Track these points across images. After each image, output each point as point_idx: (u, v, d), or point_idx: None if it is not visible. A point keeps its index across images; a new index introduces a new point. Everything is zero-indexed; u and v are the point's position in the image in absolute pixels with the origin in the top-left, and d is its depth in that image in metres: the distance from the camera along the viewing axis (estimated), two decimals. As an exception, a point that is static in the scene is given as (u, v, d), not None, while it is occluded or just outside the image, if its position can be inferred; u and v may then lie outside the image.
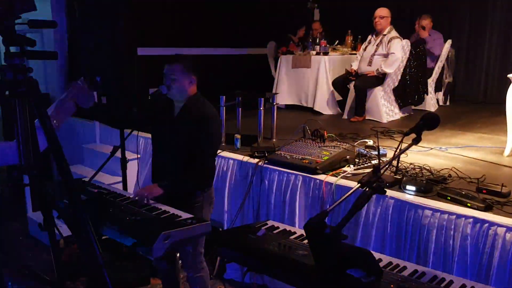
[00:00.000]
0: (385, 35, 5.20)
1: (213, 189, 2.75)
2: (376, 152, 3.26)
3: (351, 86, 5.32)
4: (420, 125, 1.63)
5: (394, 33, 5.22)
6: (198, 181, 2.56)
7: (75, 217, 1.70)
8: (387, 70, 5.09)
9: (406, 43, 5.21)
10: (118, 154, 3.65)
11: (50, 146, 1.61)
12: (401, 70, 5.28)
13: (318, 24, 6.95)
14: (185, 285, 3.27)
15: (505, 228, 2.17)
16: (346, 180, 2.84)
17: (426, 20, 6.06)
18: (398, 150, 1.60)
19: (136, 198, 2.36)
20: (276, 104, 4.24)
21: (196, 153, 2.52)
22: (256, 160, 3.27)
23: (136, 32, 3.80)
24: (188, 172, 2.51)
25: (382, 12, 5.24)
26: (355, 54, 5.92)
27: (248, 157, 3.36)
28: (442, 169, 3.06)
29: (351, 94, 5.32)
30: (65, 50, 5.23)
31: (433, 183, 2.72)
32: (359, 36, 6.43)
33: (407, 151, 3.54)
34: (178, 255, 3.11)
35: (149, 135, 3.04)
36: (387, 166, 1.46)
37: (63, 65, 5.28)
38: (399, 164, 3.06)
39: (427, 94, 5.86)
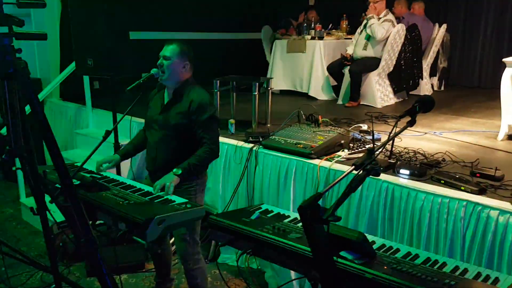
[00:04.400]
0: (380, 18, 5.15)
1: (206, 176, 2.75)
2: (370, 137, 3.26)
3: (346, 71, 5.29)
4: (415, 108, 1.62)
5: (389, 16, 5.17)
6: (209, 158, 2.56)
7: (69, 201, 1.69)
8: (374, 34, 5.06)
9: (401, 27, 5.17)
10: (111, 139, 3.62)
11: (41, 131, 1.59)
12: (396, 55, 5.26)
13: (314, 12, 6.89)
14: (178, 276, 3.28)
15: (498, 211, 2.18)
16: (340, 164, 2.84)
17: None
18: (393, 132, 1.59)
19: (159, 189, 2.35)
20: (271, 89, 4.21)
21: (196, 136, 2.52)
22: (250, 145, 3.26)
23: (129, 15, 3.75)
24: (199, 153, 2.52)
25: None
26: (350, 38, 5.88)
27: (243, 142, 3.35)
28: (436, 153, 3.06)
29: (346, 79, 5.29)
30: (57, 33, 5.14)
31: (427, 167, 2.72)
32: (355, 21, 6.37)
33: (402, 136, 3.54)
34: (171, 241, 3.10)
35: (142, 120, 3.01)
36: (381, 149, 1.45)
37: (55, 49, 5.20)
38: (393, 149, 3.06)
39: (422, 79, 5.85)
